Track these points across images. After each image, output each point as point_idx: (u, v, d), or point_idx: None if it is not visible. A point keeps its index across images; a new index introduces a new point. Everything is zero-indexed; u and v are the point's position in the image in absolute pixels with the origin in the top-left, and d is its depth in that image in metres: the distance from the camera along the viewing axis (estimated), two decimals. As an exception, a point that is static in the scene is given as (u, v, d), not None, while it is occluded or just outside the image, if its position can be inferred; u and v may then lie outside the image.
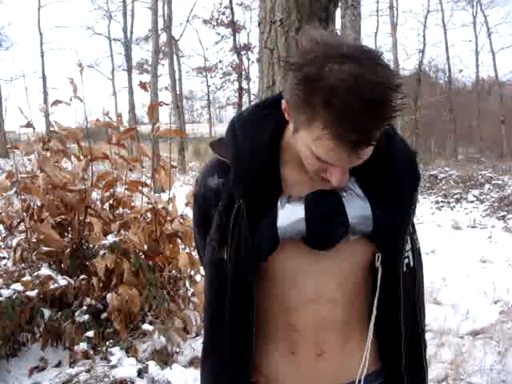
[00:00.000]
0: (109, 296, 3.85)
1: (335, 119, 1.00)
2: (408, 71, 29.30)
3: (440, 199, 13.70)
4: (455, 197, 13.46)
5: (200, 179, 1.34)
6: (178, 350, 3.83)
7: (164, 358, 3.64)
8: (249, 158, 1.21)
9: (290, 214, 1.17)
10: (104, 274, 3.90)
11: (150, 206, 4.51)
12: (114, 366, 3.31)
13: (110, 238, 4.07)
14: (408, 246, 1.26)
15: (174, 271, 4.38)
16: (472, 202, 12.95)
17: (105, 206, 4.68)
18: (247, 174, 1.20)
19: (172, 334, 3.87)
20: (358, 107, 0.98)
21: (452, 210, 12.43)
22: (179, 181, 17.26)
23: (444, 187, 14.74)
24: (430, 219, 11.06)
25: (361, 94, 0.98)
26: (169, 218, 4.55)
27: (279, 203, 1.18)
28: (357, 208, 1.17)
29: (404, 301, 1.25)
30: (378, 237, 1.20)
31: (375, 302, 1.24)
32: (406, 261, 1.26)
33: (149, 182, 4.88)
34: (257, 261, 1.20)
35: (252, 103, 1.40)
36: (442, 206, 13.00)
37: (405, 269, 1.25)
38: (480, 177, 15.34)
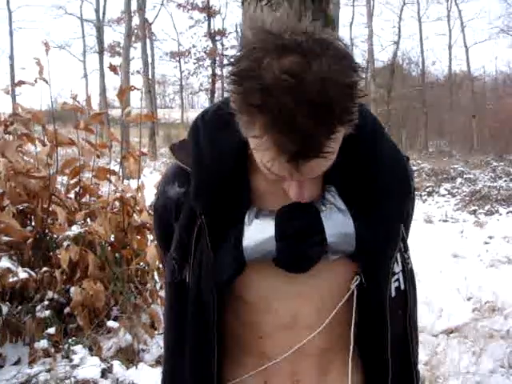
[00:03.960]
0: (72, 290, 3.66)
1: (272, 124, 0.83)
2: (382, 62, 29.44)
3: (412, 192, 13.66)
4: (427, 190, 13.46)
5: (160, 187, 1.16)
6: (144, 347, 3.66)
7: (130, 356, 3.46)
8: (212, 165, 1.03)
9: (258, 232, 1.01)
10: (68, 266, 3.69)
11: (118, 195, 4.32)
12: (76, 366, 3.13)
13: (75, 229, 3.86)
14: (398, 268, 1.09)
15: (141, 264, 4.20)
16: (444, 195, 12.98)
17: (70, 195, 4.47)
18: (210, 184, 1.03)
19: (139, 331, 3.70)
20: (297, 111, 0.81)
21: (424, 203, 12.41)
22: (149, 167, 17.02)
23: (416, 180, 14.75)
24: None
25: (301, 94, 0.81)
26: (137, 208, 4.37)
27: (246, 218, 1.02)
28: (337, 224, 1.01)
29: (392, 330, 1.08)
30: (361, 257, 1.04)
31: (351, 331, 1.08)
32: (396, 284, 1.09)
33: (117, 169, 4.69)
34: (220, 285, 1.04)
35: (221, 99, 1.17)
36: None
37: (393, 294, 1.08)
38: (452, 170, 15.44)
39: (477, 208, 11.17)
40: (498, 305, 5.17)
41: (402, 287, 1.10)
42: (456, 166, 16.06)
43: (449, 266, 6.68)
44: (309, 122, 0.81)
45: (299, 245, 1.00)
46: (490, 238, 8.40)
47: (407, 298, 1.11)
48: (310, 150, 0.84)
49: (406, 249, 1.12)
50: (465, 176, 14.45)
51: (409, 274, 1.12)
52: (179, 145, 1.14)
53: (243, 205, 1.03)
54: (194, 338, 1.08)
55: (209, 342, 1.06)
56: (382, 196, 1.04)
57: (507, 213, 10.65)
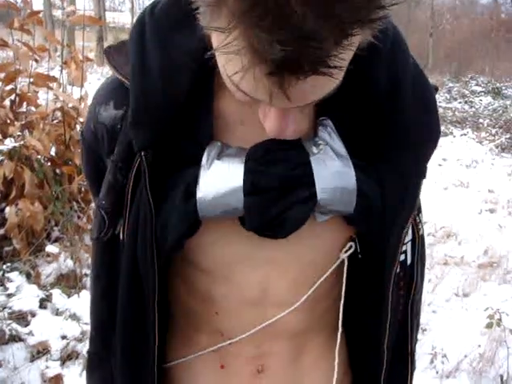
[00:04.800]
0: (7, 210, 3.33)
1: (248, 9, 0.49)
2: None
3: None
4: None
5: (90, 107, 0.82)
6: (88, 271, 3.41)
7: (71, 283, 3.21)
8: (161, 78, 0.71)
9: (220, 179, 0.70)
10: (1, 184, 3.34)
11: (59, 105, 3.91)
12: (11, 295, 2.85)
13: (10, 142, 3.46)
14: (408, 237, 0.82)
15: (84, 182, 3.86)
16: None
17: (5, 103, 4.01)
18: (155, 106, 0.71)
19: (81, 255, 3.43)
20: None
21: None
22: (96, 73, 16.17)
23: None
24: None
25: None
26: (80, 120, 3.97)
27: (205, 158, 0.71)
28: (333, 175, 0.71)
29: (391, 313, 0.82)
30: (360, 220, 0.76)
31: (340, 313, 0.82)
32: (402, 257, 0.82)
33: (58, 75, 4.24)
34: (163, 250, 0.75)
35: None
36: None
37: (398, 269, 0.81)
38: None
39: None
40: (453, 230, 5.16)
41: (409, 261, 0.83)
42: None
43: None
44: (309, 13, 0.48)
45: (277, 201, 0.70)
46: (444, 160, 8.36)
47: (414, 275, 0.84)
48: (308, 58, 0.51)
49: (419, 210, 0.84)
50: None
51: (419, 245, 0.84)
52: (118, 48, 0.79)
53: (201, 137, 0.73)
54: (125, 315, 0.80)
55: (147, 321, 0.78)
56: (400, 140, 0.75)
57: (461, 135, 10.64)
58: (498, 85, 15.66)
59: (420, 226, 0.83)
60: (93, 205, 3.88)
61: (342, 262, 0.79)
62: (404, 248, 0.81)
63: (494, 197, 6.50)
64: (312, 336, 0.87)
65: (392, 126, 0.74)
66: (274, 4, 0.48)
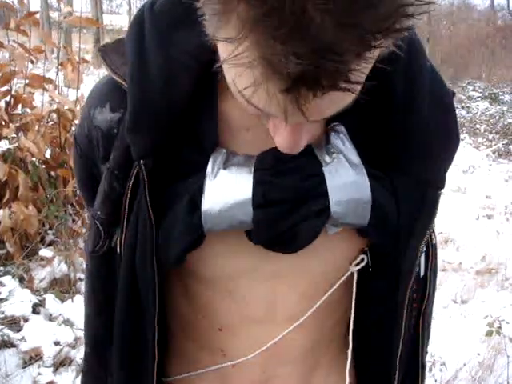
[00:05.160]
0: (0, 213, 3.27)
1: (260, 18, 0.45)
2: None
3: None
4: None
5: (83, 110, 0.77)
6: (82, 276, 3.36)
7: (65, 288, 3.16)
8: (162, 80, 0.66)
9: (227, 190, 0.66)
10: (-5, 186, 3.29)
11: (54, 107, 3.87)
12: (3, 300, 2.80)
13: (4, 144, 3.42)
14: (423, 247, 0.77)
15: (80, 185, 3.82)
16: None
17: (0, 104, 3.96)
18: (156, 110, 0.66)
19: (76, 258, 3.38)
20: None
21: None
22: (93, 75, 16.13)
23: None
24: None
25: None
26: (76, 122, 3.92)
27: (210, 167, 0.67)
28: (346, 186, 0.67)
29: (405, 329, 0.78)
30: (375, 233, 0.71)
31: (350, 330, 0.78)
32: (416, 269, 0.77)
33: (54, 77, 4.19)
34: (164, 264, 0.71)
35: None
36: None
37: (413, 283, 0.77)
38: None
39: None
40: (451, 236, 5.13)
41: (422, 273, 0.78)
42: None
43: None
44: (329, 22, 0.43)
45: (288, 215, 0.66)
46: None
47: (427, 288, 0.80)
48: (327, 72, 0.46)
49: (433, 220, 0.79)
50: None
51: (433, 256, 0.79)
52: (114, 47, 0.74)
53: (205, 144, 0.68)
54: (123, 331, 0.75)
55: (146, 337, 0.74)
56: (416, 146, 0.70)
57: (458, 140, 10.63)
58: (494, 90, 15.66)
59: (433, 236, 0.79)
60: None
61: (354, 274, 0.75)
62: (417, 261, 0.77)
63: (491, 203, 6.47)
64: (320, 355, 0.82)
65: (408, 132, 0.70)
66: (290, 12, 0.43)
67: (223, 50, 0.52)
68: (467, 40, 26.50)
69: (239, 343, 0.77)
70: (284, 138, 0.58)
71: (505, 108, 10.63)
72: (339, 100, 0.52)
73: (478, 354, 3.01)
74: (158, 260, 0.70)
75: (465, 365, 2.92)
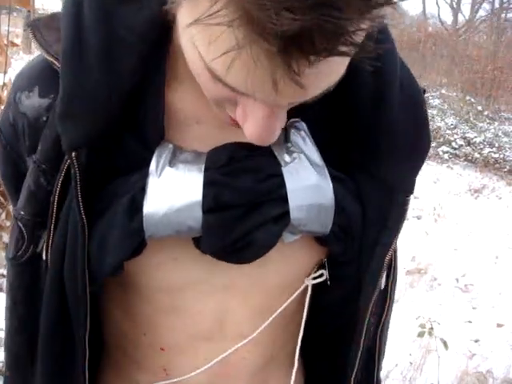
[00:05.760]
0: None
1: None
2: None
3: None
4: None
5: (9, 94, 0.67)
6: (4, 272, 3.18)
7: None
8: (101, 61, 0.57)
9: (173, 191, 0.58)
10: None
11: (-21, 92, 3.64)
12: None
13: None
14: (388, 258, 0.71)
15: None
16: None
17: None
18: (92, 96, 0.57)
19: (-1, 253, 3.19)
20: None
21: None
22: (22, 60, 15.50)
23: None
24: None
25: None
26: (1, 108, 3.71)
27: (153, 163, 0.59)
28: (307, 189, 0.60)
29: (363, 343, 0.72)
30: (337, 242, 0.65)
31: (297, 347, 0.71)
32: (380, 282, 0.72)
33: (-21, 60, 3.96)
34: (97, 275, 0.62)
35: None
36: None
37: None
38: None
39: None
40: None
41: (383, 286, 0.72)
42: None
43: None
44: None
45: (242, 220, 0.58)
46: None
47: (386, 300, 0.74)
48: (326, 32, 0.38)
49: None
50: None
51: (394, 266, 0.74)
52: (47, 22, 0.64)
53: (148, 136, 0.60)
54: (49, 350, 0.66)
55: (75, 357, 0.64)
56: (384, 147, 0.64)
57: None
58: (424, 95, 16.18)
59: (395, 247, 0.72)
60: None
61: (308, 287, 0.69)
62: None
63: (420, 204, 6.62)
64: (272, 371, 0.75)
65: (376, 130, 0.64)
66: None
67: (193, 10, 0.43)
68: (399, 44, 27.27)
69: (185, 362, 0.69)
70: (258, 124, 0.50)
71: (434, 112, 10.93)
72: (335, 69, 0.45)
73: (410, 355, 3.05)
74: (91, 270, 0.61)
75: (397, 365, 2.95)
